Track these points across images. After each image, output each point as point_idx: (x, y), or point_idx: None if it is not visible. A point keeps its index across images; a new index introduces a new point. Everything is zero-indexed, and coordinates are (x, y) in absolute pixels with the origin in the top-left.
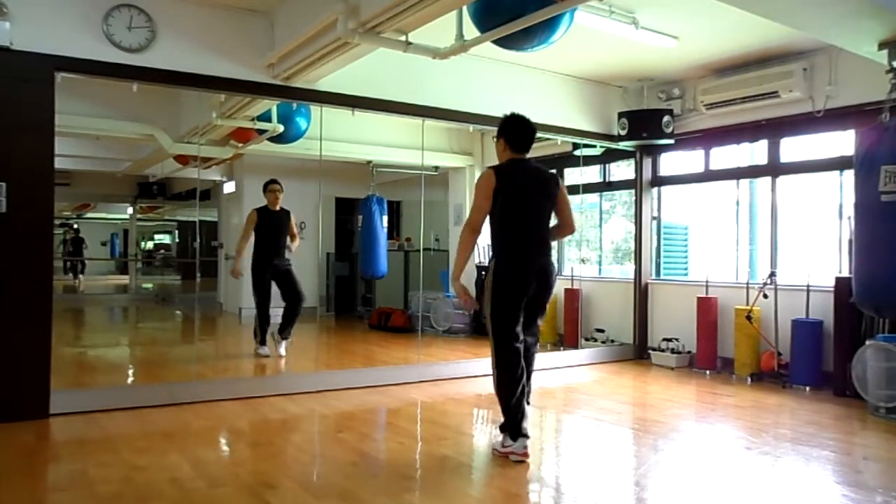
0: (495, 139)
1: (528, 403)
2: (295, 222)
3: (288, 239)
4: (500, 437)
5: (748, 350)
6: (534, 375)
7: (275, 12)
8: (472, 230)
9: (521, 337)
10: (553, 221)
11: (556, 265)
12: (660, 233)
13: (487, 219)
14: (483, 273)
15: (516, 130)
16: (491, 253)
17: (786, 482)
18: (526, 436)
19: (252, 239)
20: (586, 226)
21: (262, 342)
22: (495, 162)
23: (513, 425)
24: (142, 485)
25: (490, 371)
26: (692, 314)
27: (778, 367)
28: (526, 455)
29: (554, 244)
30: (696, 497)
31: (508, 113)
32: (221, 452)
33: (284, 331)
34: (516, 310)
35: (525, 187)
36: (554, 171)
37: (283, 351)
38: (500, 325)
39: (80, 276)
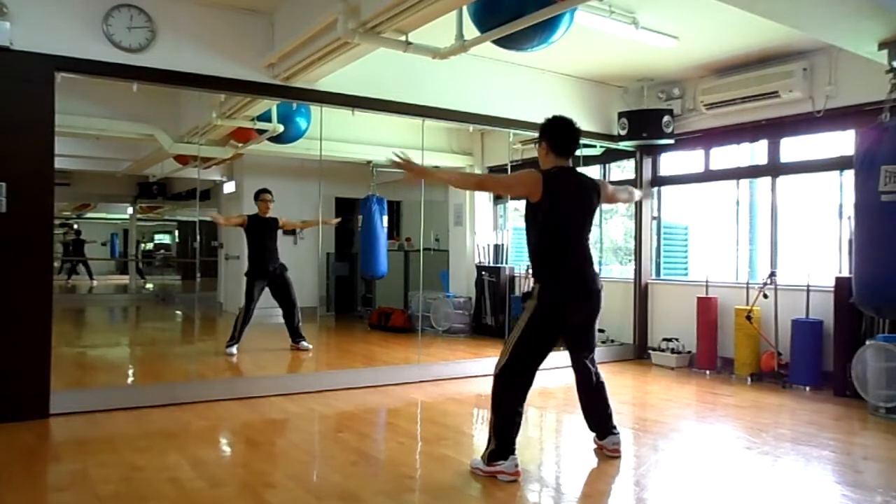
0: (536, 144)
1: (615, 432)
2: (290, 220)
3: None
4: (478, 460)
5: (748, 350)
6: (542, 379)
7: (275, 12)
8: (481, 184)
9: (535, 374)
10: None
11: (601, 284)
12: (660, 233)
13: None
14: (484, 273)
15: (561, 132)
16: (531, 277)
17: (786, 482)
18: (514, 453)
19: (245, 245)
20: None
21: (234, 342)
22: (494, 162)
23: (505, 444)
24: (142, 485)
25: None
26: (692, 314)
27: (778, 367)
28: (518, 474)
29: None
30: (696, 497)
31: (551, 115)
32: (221, 452)
33: (296, 337)
34: (548, 343)
35: (572, 200)
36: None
37: (307, 345)
38: (523, 354)
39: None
